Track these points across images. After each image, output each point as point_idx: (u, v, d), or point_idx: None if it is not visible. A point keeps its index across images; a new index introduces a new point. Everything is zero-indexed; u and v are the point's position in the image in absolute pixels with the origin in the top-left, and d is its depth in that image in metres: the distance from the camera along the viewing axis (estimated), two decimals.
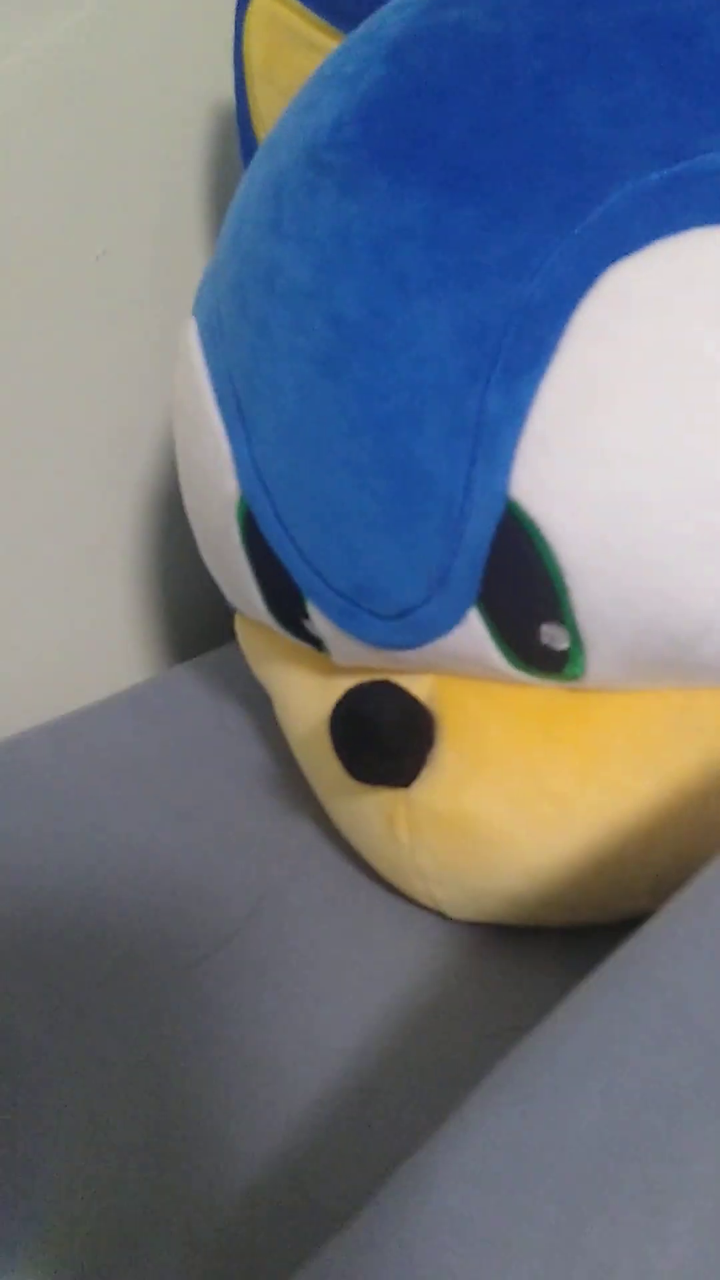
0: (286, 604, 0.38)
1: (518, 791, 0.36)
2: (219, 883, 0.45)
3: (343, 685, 0.38)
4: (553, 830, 0.36)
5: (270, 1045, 0.39)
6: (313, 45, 0.40)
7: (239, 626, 0.48)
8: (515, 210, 0.29)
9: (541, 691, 0.36)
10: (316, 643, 0.39)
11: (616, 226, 0.29)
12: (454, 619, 0.33)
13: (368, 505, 0.33)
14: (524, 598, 0.32)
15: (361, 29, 0.35)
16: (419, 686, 0.38)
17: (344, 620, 0.36)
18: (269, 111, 0.43)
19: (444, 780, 0.37)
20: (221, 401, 0.36)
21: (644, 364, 0.29)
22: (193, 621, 0.62)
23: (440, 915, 0.41)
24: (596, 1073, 0.23)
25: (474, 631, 0.34)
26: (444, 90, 0.31)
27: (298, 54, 0.41)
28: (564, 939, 0.39)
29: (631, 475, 0.29)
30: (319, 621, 0.37)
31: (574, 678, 0.34)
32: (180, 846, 0.46)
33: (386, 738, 0.36)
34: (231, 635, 0.49)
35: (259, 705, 0.50)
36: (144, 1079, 0.37)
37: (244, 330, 0.35)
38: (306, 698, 0.42)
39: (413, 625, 0.34)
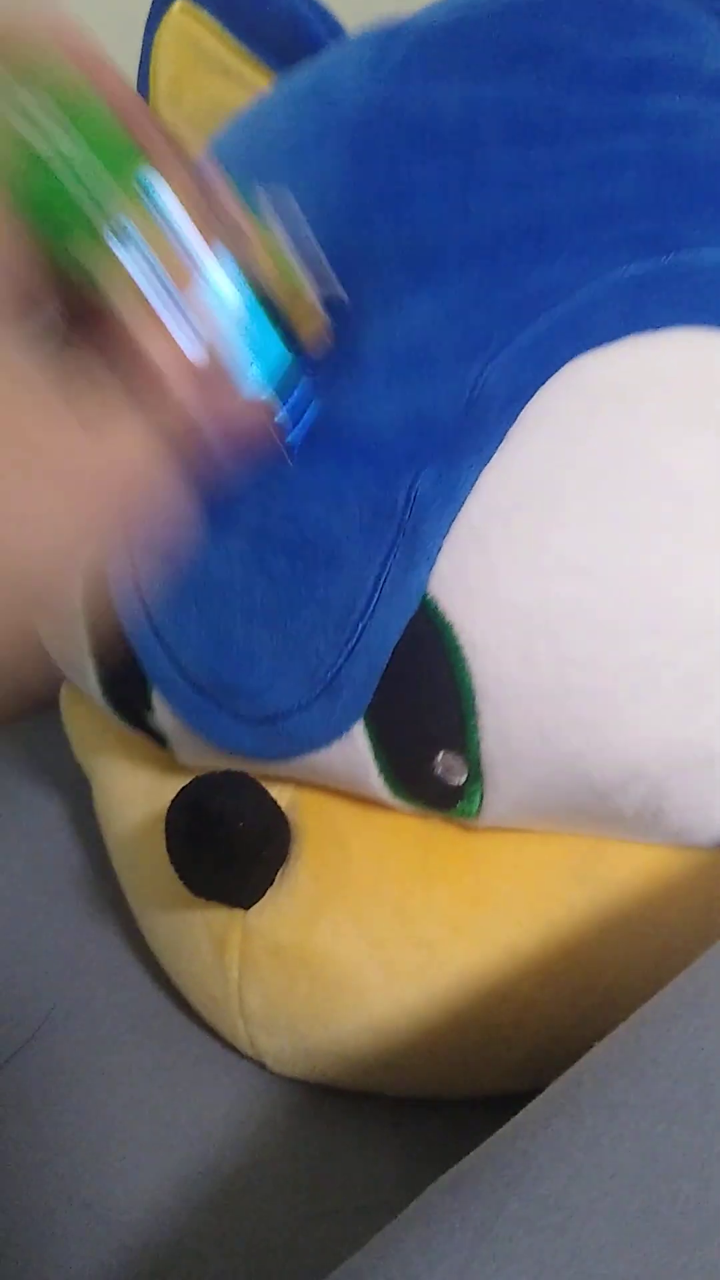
0: (126, 690, 0.32)
1: (380, 931, 0.31)
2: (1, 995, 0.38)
3: (181, 786, 0.31)
4: (413, 983, 0.31)
5: (36, 1208, 0.32)
6: (227, 71, 0.36)
7: (65, 696, 0.42)
8: (477, 300, 0.27)
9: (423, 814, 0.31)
10: (157, 737, 0.33)
11: (585, 316, 0.26)
12: (334, 733, 0.28)
13: (256, 582, 0.28)
14: (423, 716, 0.27)
15: (307, 79, 0.31)
16: (279, 788, 0.32)
17: (195, 720, 0.30)
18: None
19: (294, 906, 0.32)
20: None
21: (603, 463, 0.25)
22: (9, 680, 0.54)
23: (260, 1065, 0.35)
24: None
25: (355, 751, 0.28)
26: (409, 190, 0.28)
27: (209, 78, 0.37)
28: (404, 1108, 0.34)
29: (573, 586, 0.25)
30: (163, 716, 0.31)
31: (466, 816, 0.29)
32: None
33: (237, 842, 0.30)
34: (55, 703, 0.42)
35: (75, 790, 0.43)
36: None
37: None
38: (135, 793, 0.36)
39: (281, 734, 0.29)
